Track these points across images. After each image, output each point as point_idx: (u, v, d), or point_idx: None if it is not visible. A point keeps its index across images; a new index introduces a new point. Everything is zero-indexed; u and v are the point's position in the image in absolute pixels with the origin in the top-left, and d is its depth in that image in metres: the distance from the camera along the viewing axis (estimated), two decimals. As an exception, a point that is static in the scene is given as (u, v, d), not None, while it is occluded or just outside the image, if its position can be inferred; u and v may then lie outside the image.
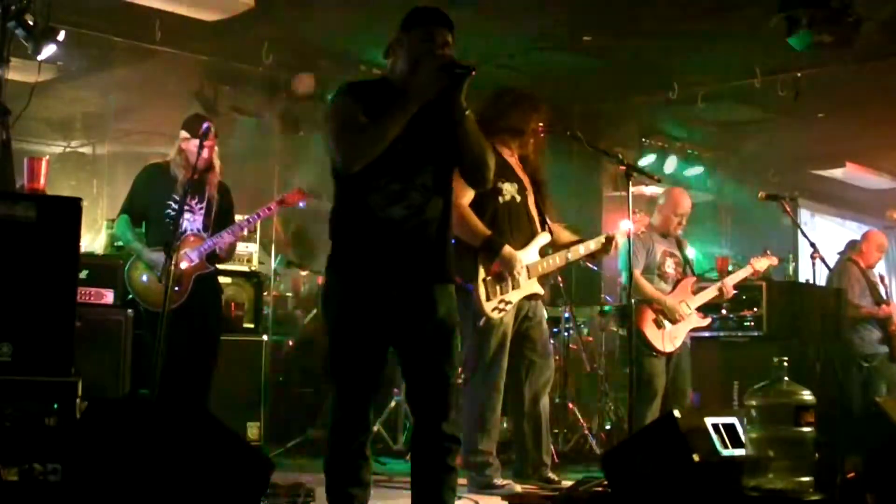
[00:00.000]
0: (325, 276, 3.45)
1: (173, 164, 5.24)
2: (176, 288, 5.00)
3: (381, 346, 3.32)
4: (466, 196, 4.79)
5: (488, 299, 4.89)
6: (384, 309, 3.26)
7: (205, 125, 4.97)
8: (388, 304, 3.26)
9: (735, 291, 6.34)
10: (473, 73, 3.18)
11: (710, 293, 6.19)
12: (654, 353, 5.94)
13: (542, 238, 5.12)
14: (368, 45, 7.40)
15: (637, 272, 6.04)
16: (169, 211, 5.15)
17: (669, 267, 6.20)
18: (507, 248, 4.88)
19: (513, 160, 5.15)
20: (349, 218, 3.31)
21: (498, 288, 4.91)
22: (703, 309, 6.24)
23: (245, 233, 5.49)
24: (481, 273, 4.90)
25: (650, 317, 5.98)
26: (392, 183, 3.25)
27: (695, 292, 6.18)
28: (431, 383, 3.28)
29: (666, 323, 5.98)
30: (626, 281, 6.21)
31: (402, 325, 3.29)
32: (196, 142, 5.05)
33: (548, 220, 5.21)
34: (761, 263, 6.39)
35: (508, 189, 5.04)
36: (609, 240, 5.24)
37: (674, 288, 6.15)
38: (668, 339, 5.97)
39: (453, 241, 4.90)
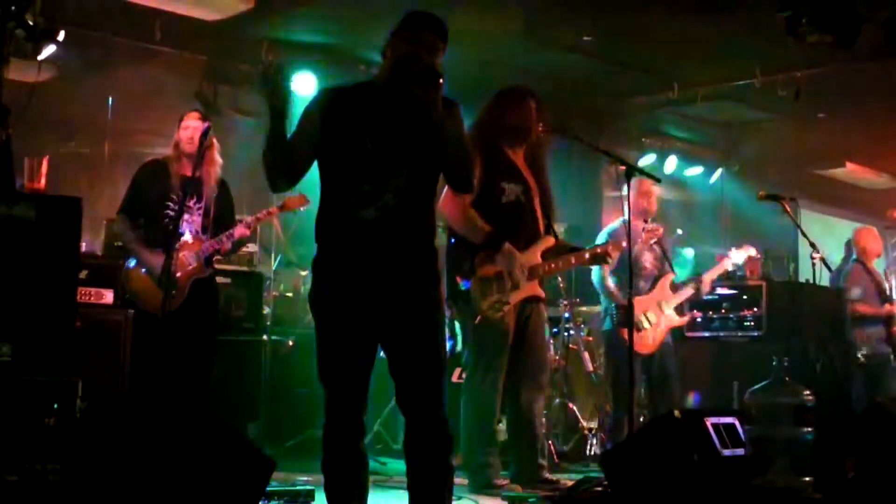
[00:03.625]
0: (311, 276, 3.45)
1: (172, 160, 5.19)
2: (173, 293, 4.96)
3: (366, 345, 3.31)
4: (469, 195, 4.80)
5: (484, 297, 4.89)
6: (365, 308, 3.26)
7: (205, 125, 4.95)
8: (368, 304, 3.26)
9: (715, 279, 6.25)
10: (441, 81, 3.17)
11: (686, 292, 6.13)
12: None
13: (546, 241, 5.11)
14: (368, 45, 7.39)
15: (606, 270, 5.96)
16: (168, 211, 5.09)
17: (647, 261, 6.09)
18: (508, 246, 4.88)
19: (519, 161, 5.14)
20: (327, 219, 3.32)
21: (495, 286, 4.91)
22: (702, 307, 6.21)
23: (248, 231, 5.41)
24: (479, 271, 4.90)
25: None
26: (364, 184, 3.24)
27: (673, 290, 6.12)
28: (417, 383, 3.28)
29: (644, 325, 5.94)
30: (595, 282, 6.12)
31: (385, 325, 3.29)
32: (190, 125, 5.10)
33: (552, 225, 5.22)
34: (739, 256, 6.33)
35: (512, 189, 5.02)
36: (602, 253, 5.21)
37: (652, 286, 6.07)
38: (644, 340, 5.90)
39: (453, 241, 4.96)
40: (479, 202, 4.88)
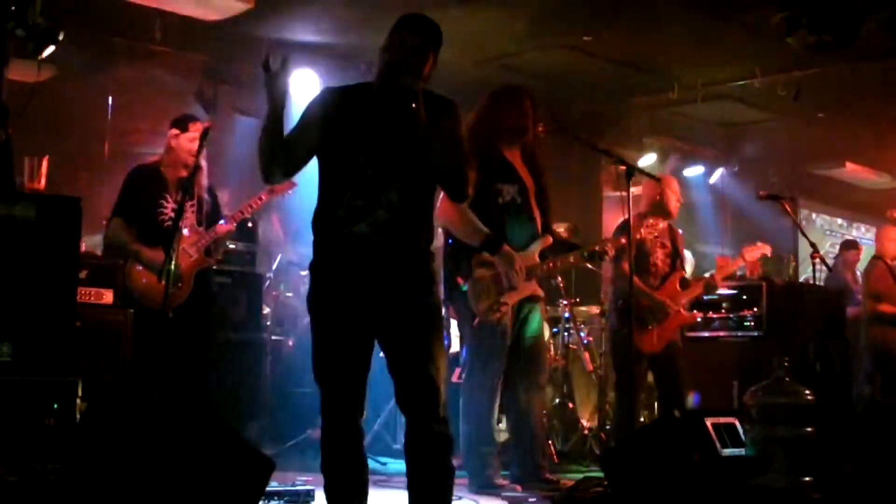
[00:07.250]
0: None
1: (163, 165, 5.28)
2: (178, 285, 5.04)
3: (362, 346, 3.31)
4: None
5: (481, 299, 4.89)
6: (361, 310, 3.27)
7: (204, 126, 4.97)
8: (364, 306, 3.26)
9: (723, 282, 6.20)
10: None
11: (695, 289, 6.03)
12: (637, 353, 5.80)
13: (543, 241, 5.11)
14: (368, 45, 7.39)
15: (626, 265, 5.90)
16: (161, 210, 5.19)
17: (658, 258, 5.97)
18: (507, 247, 4.87)
19: (515, 161, 5.13)
20: (321, 228, 3.34)
21: (492, 289, 4.91)
22: (702, 307, 6.16)
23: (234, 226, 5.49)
24: (475, 273, 4.90)
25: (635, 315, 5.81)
26: (356, 199, 3.24)
27: (682, 288, 6.01)
28: (416, 385, 3.27)
29: (652, 322, 5.89)
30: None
31: (382, 325, 3.29)
32: (186, 136, 5.18)
33: (549, 224, 5.21)
34: (753, 254, 6.27)
35: (508, 190, 5.02)
36: (599, 252, 5.21)
37: (661, 284, 5.95)
38: (653, 339, 5.81)
39: (451, 242, 4.96)
40: (475, 204, 4.87)
